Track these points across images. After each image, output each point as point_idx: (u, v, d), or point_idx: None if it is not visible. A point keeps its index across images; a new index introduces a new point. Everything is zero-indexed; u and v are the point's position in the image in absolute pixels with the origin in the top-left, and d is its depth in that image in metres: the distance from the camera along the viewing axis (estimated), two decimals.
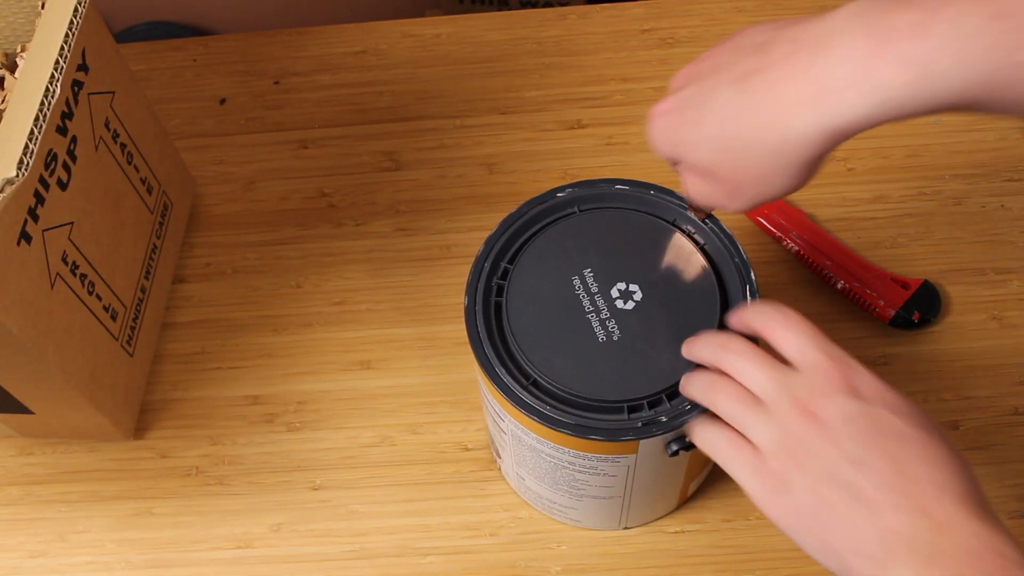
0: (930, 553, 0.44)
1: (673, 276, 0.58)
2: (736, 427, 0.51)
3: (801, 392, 0.49)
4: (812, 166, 0.48)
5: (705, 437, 0.52)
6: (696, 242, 0.59)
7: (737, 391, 0.51)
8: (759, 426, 0.50)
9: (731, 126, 0.49)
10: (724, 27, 0.89)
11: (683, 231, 0.60)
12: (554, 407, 0.55)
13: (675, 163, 0.54)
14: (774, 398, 0.50)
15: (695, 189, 0.54)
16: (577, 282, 0.58)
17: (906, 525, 0.44)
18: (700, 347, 0.54)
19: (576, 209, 0.61)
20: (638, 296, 0.57)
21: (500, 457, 0.67)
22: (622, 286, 0.58)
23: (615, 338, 0.56)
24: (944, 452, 0.46)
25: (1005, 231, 0.78)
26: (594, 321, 0.57)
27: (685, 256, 0.59)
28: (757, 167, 0.49)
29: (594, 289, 0.58)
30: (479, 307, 0.58)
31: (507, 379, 0.56)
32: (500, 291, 0.59)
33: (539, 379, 0.56)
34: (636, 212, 0.61)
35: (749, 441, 0.50)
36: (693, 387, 0.54)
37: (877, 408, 0.48)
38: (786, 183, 0.49)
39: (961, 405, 0.71)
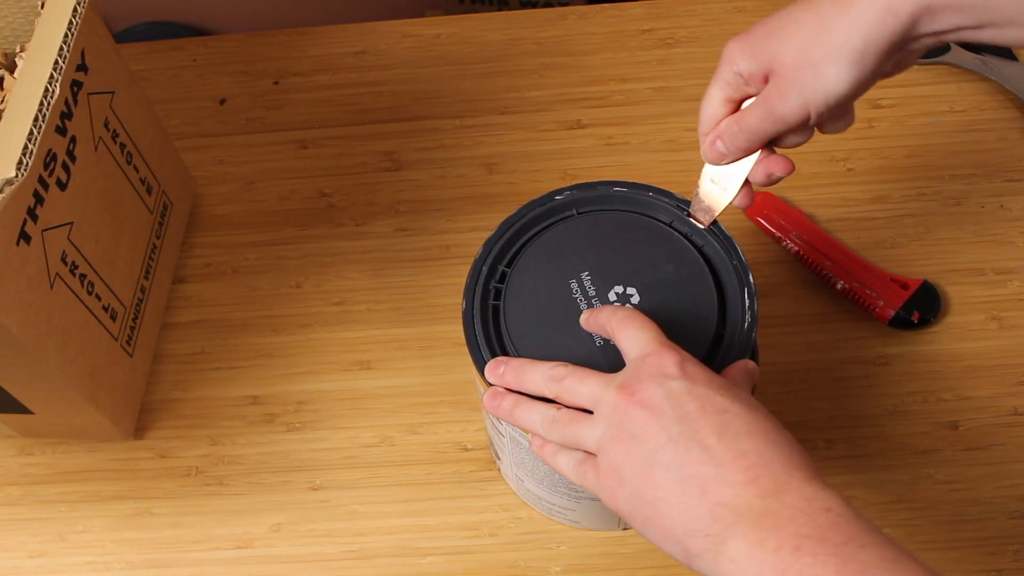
0: (760, 517, 0.44)
1: (671, 279, 0.58)
2: (574, 446, 0.52)
3: (626, 380, 0.49)
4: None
5: (554, 464, 0.53)
6: (694, 244, 0.59)
7: (565, 416, 0.52)
8: (588, 433, 0.50)
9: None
10: (724, 27, 0.89)
11: (681, 233, 0.60)
12: None
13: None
14: (598, 399, 0.50)
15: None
16: (575, 285, 0.58)
17: (735, 496, 0.45)
18: (530, 379, 0.54)
19: (575, 211, 0.61)
20: (635, 299, 0.57)
21: (499, 459, 0.67)
22: (619, 289, 0.57)
23: (612, 342, 0.56)
24: (769, 426, 0.47)
25: (1005, 231, 0.78)
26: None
27: (683, 258, 0.59)
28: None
29: (591, 292, 0.58)
30: (477, 311, 0.58)
31: None
32: (498, 294, 0.59)
33: None
34: (634, 214, 0.61)
35: (589, 453, 0.51)
36: (535, 427, 0.54)
37: (700, 387, 0.48)
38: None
39: (960, 405, 0.71)
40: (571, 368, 0.52)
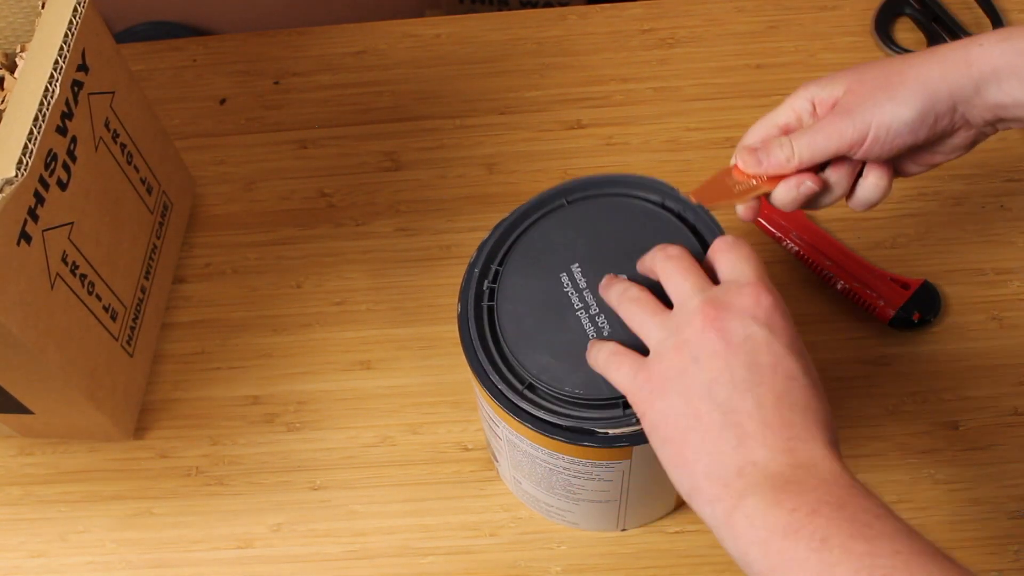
0: (786, 484, 0.44)
1: None
2: (635, 331, 0.51)
3: (715, 300, 0.49)
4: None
5: (593, 354, 0.53)
6: (687, 223, 0.58)
7: (644, 297, 0.52)
8: (655, 330, 0.50)
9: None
10: (724, 27, 0.89)
11: (672, 212, 0.58)
12: (549, 410, 0.55)
13: None
14: (683, 302, 0.50)
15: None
16: (565, 278, 0.57)
17: (768, 459, 0.45)
18: (647, 257, 0.54)
19: (564, 201, 0.60)
20: None
21: (497, 461, 0.67)
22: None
23: (605, 333, 0.55)
24: (821, 407, 0.47)
25: (1005, 231, 0.78)
26: (583, 318, 0.56)
27: (674, 239, 0.56)
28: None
29: (582, 284, 0.57)
30: (471, 313, 0.57)
31: (501, 386, 0.56)
32: (492, 295, 0.58)
33: (534, 383, 0.55)
34: (625, 197, 0.59)
35: (637, 354, 0.50)
36: (609, 295, 0.54)
37: (780, 345, 0.47)
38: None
39: (961, 405, 0.71)
40: (680, 259, 0.52)
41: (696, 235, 0.58)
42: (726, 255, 0.51)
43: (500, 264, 0.59)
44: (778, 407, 0.46)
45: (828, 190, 0.57)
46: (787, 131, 0.57)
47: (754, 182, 0.57)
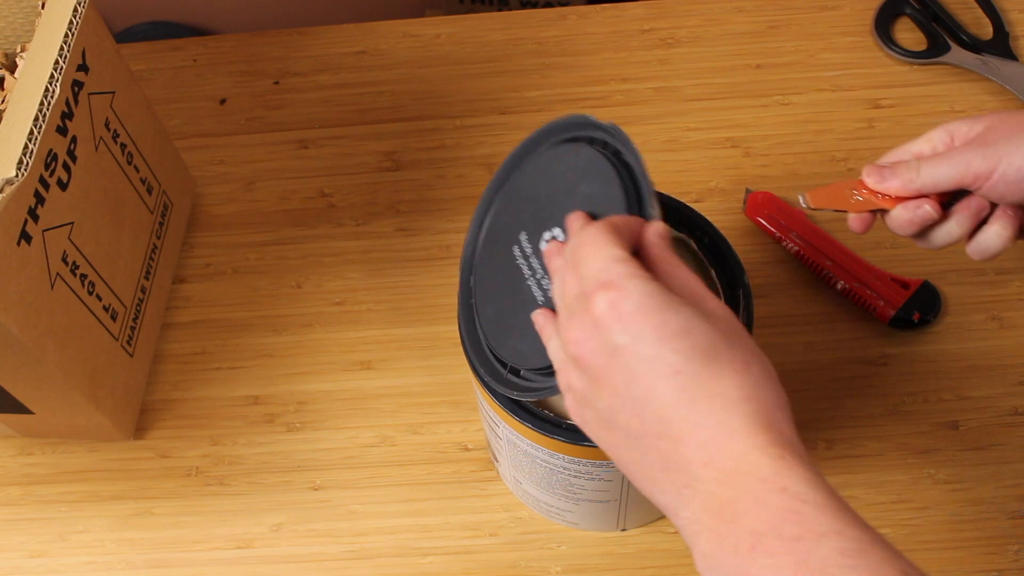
0: (720, 507, 0.40)
1: (591, 200, 0.50)
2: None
3: (573, 323, 0.44)
4: None
5: (545, 341, 0.49)
6: (605, 153, 0.51)
7: (556, 293, 0.47)
8: (555, 351, 0.46)
9: None
10: (724, 27, 0.89)
11: (598, 144, 0.52)
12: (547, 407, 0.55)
13: None
14: (559, 316, 0.46)
15: None
16: (516, 250, 0.53)
17: (695, 479, 0.41)
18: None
19: (509, 174, 0.57)
20: (562, 239, 0.51)
21: (497, 461, 0.67)
22: (548, 235, 0.51)
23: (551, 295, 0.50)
24: (730, 383, 0.41)
25: None
26: (534, 287, 0.52)
27: (598, 173, 0.51)
28: None
29: (528, 251, 0.53)
30: (462, 313, 0.57)
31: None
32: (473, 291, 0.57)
33: (515, 367, 0.53)
34: (562, 145, 0.54)
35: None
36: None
37: (649, 344, 0.41)
38: None
39: (961, 405, 0.71)
40: (555, 256, 0.48)
41: (626, 166, 0.51)
42: (570, 248, 0.46)
43: (475, 257, 0.57)
44: (679, 410, 0.41)
45: (948, 226, 0.57)
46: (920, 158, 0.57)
47: (875, 198, 0.58)
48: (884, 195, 0.57)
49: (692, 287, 0.44)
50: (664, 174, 0.82)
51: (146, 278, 0.75)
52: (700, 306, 0.43)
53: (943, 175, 0.55)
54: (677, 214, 0.61)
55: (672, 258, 0.45)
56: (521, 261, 0.53)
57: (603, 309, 0.42)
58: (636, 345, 0.41)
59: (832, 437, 0.70)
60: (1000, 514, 0.67)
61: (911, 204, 0.56)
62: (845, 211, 0.59)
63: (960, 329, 0.74)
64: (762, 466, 0.40)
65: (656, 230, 0.46)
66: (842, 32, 0.88)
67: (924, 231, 0.58)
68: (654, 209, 0.48)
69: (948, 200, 0.57)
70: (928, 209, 0.56)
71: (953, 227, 0.57)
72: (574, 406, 0.46)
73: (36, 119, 0.57)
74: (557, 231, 0.51)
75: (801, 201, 0.60)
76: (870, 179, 0.57)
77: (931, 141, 0.57)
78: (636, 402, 0.42)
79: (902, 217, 0.57)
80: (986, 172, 0.54)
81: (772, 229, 0.78)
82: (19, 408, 0.68)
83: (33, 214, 0.59)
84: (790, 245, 0.77)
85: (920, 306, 0.73)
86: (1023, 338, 0.73)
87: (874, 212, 0.58)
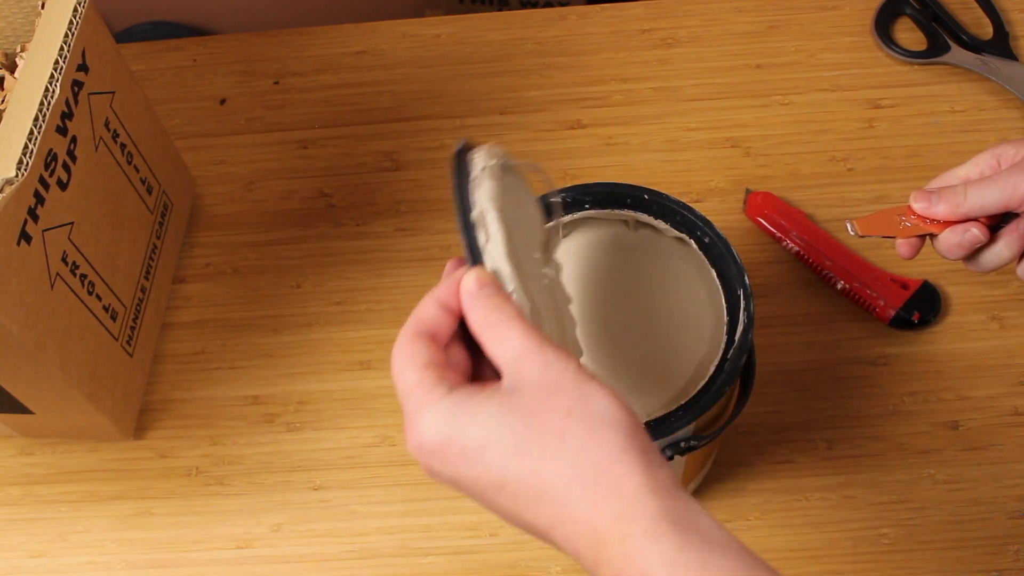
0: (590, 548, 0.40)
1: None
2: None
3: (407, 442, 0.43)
4: None
5: None
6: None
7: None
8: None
9: None
10: (724, 27, 0.89)
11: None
12: None
13: None
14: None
15: None
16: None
17: (572, 545, 0.40)
18: None
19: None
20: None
21: None
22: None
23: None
24: (559, 472, 0.40)
25: None
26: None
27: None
28: None
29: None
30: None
31: None
32: None
33: None
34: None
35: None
36: None
37: (468, 472, 0.41)
38: None
39: (961, 405, 0.71)
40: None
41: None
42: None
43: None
44: (525, 516, 0.41)
45: (996, 248, 0.57)
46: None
47: (923, 223, 0.58)
48: (932, 220, 0.58)
49: (515, 345, 0.42)
50: (664, 174, 0.82)
51: (146, 278, 0.75)
52: (518, 368, 0.42)
53: (990, 198, 0.56)
54: (677, 214, 0.61)
55: (491, 315, 0.43)
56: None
57: (412, 447, 0.42)
58: (455, 472, 0.41)
59: (832, 437, 0.70)
60: (1000, 514, 0.67)
61: (959, 228, 0.57)
62: (894, 236, 0.59)
63: (960, 329, 0.74)
64: (623, 545, 0.39)
65: (469, 288, 0.44)
66: (842, 32, 0.88)
67: (973, 254, 0.58)
68: (478, 240, 0.45)
69: (996, 223, 0.58)
70: (976, 232, 0.57)
71: (1002, 249, 0.57)
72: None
73: (36, 119, 0.57)
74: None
75: (849, 229, 0.60)
76: (918, 205, 0.58)
77: (978, 165, 0.58)
78: (493, 506, 0.42)
79: (950, 241, 0.57)
80: None
81: (772, 229, 0.78)
82: (19, 408, 0.68)
83: (33, 214, 0.59)
84: (790, 245, 0.77)
85: (920, 306, 0.73)
86: (1023, 338, 0.73)
87: (922, 237, 0.59)
